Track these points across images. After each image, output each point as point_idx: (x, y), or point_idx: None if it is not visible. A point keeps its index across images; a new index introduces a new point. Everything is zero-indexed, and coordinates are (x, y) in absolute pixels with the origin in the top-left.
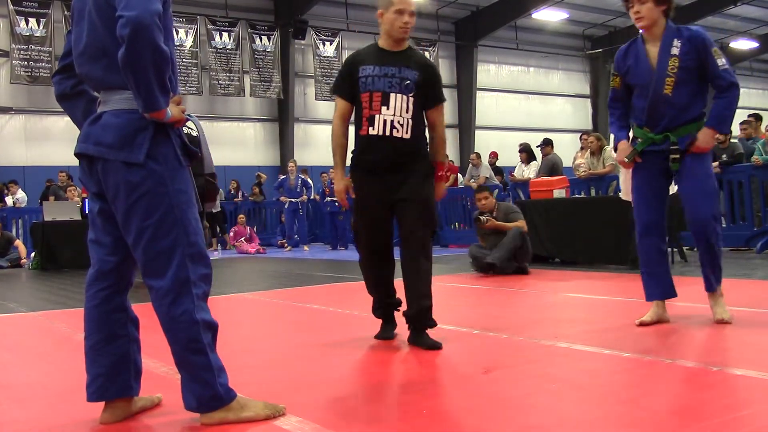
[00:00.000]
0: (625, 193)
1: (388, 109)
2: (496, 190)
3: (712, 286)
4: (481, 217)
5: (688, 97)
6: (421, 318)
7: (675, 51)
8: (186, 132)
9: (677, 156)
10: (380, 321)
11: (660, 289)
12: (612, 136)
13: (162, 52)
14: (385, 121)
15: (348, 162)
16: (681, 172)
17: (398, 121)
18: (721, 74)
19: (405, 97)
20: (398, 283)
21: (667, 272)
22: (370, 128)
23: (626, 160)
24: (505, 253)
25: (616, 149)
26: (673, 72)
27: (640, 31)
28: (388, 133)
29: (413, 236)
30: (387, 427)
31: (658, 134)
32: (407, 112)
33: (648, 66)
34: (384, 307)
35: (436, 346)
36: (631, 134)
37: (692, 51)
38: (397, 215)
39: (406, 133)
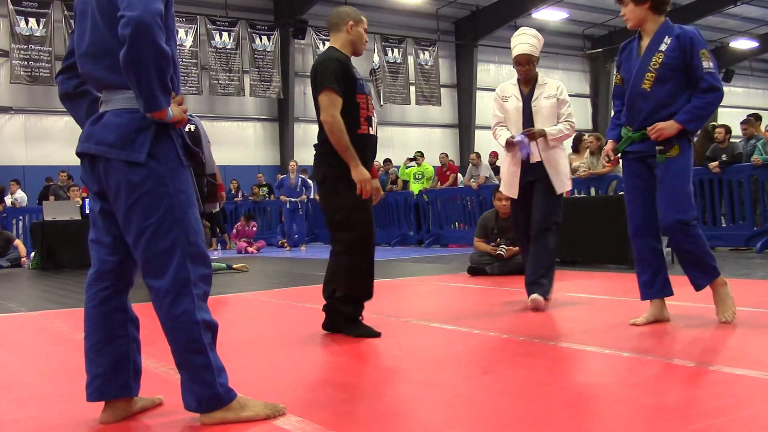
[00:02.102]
0: (506, 187)
1: (374, 110)
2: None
3: (699, 285)
4: (501, 252)
5: (667, 95)
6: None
7: (663, 47)
8: (186, 130)
9: (662, 147)
10: (362, 321)
11: (654, 288)
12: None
13: (163, 51)
14: (376, 122)
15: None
16: (657, 172)
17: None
18: (704, 76)
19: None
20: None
21: (663, 270)
22: (369, 128)
23: (604, 161)
24: (508, 272)
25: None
26: (654, 68)
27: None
28: (377, 132)
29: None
30: (387, 427)
31: (636, 132)
32: None
33: (636, 60)
34: None
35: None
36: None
37: (678, 49)
38: None
39: None
